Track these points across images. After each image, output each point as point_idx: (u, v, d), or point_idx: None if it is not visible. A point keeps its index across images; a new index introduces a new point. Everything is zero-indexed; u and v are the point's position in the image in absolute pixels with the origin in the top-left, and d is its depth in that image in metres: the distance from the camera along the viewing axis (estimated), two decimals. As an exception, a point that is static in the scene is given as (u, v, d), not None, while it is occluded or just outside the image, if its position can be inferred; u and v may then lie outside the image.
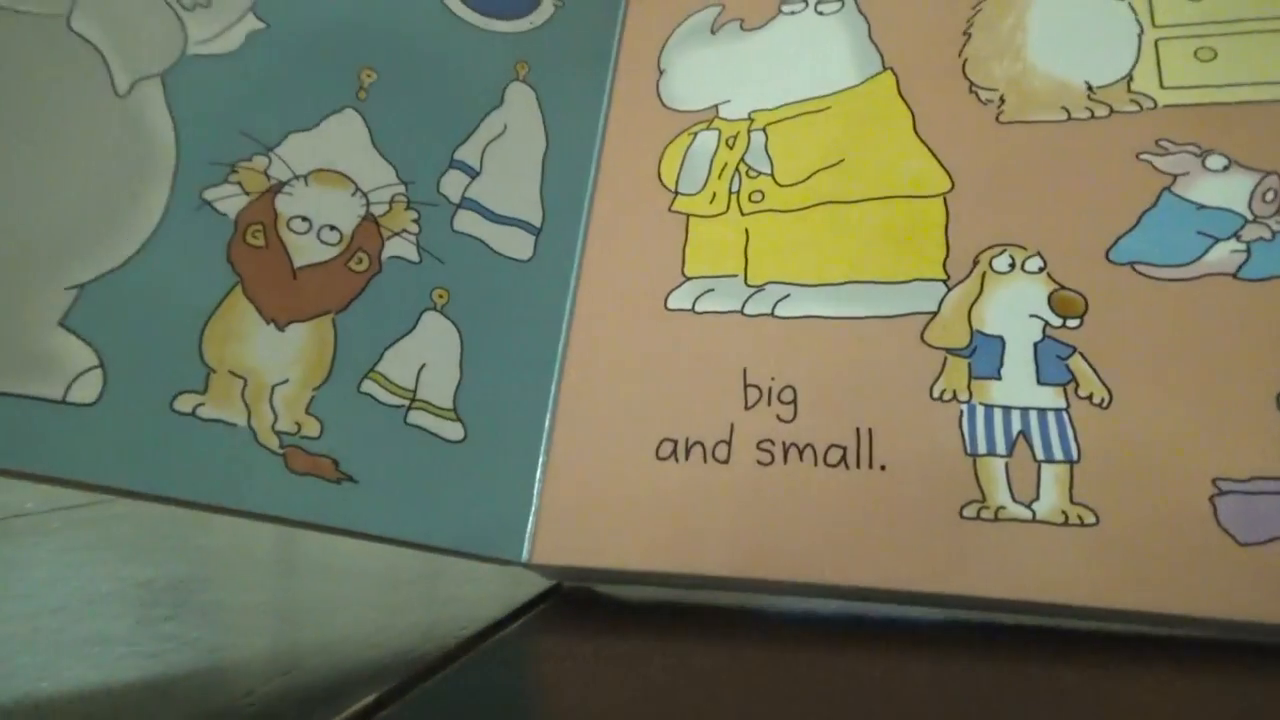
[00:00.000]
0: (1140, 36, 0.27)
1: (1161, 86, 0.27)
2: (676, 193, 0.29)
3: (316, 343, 0.23)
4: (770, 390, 0.25)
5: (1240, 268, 0.23)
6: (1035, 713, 0.17)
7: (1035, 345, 0.24)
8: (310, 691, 0.18)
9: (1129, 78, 0.27)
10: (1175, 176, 0.25)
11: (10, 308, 0.21)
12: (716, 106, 0.30)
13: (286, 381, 0.23)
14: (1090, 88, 0.27)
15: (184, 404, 0.21)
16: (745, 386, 0.25)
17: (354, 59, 0.27)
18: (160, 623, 0.23)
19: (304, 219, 0.24)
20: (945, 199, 0.26)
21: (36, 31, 0.22)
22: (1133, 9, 0.28)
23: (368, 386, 0.24)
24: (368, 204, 0.25)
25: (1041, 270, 0.25)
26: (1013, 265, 0.25)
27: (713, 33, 0.31)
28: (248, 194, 0.24)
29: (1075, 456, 0.22)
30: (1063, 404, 0.23)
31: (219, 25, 0.25)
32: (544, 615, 0.24)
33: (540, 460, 0.25)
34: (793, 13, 0.31)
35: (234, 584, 0.29)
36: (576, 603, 0.25)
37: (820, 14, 0.30)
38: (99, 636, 0.22)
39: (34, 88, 0.22)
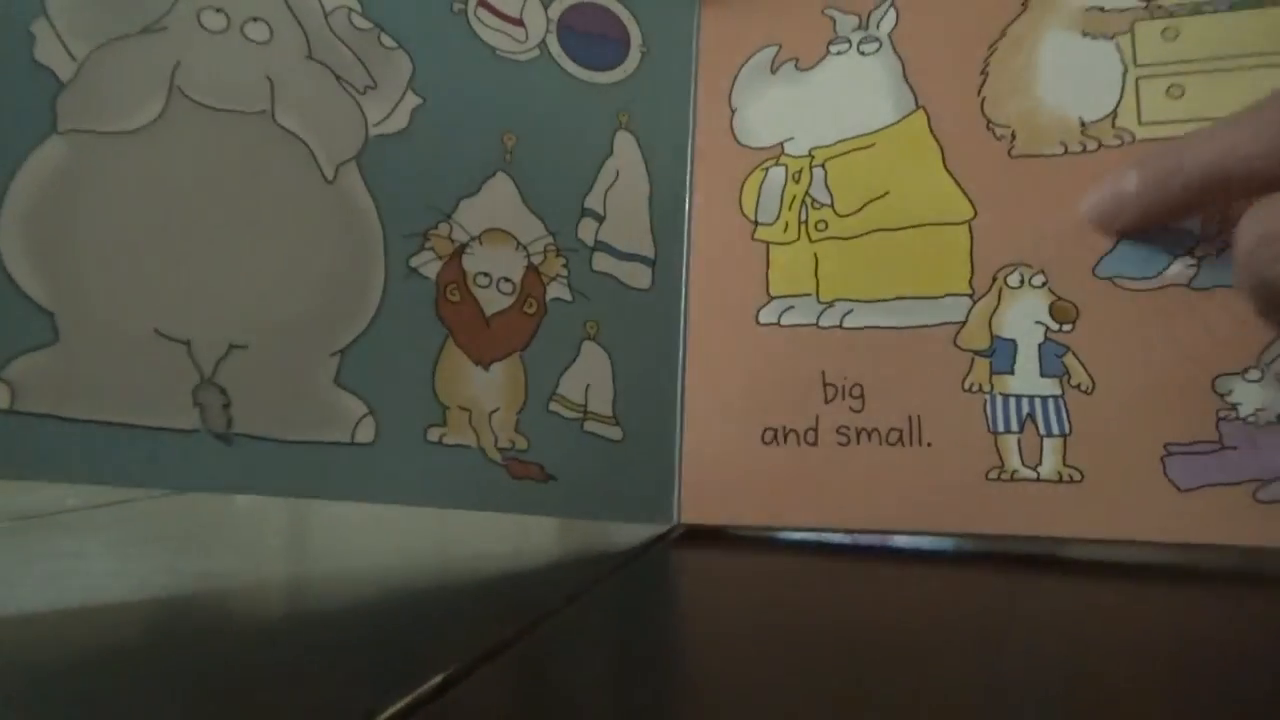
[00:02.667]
0: (1124, 75, 0.33)
1: (1140, 122, 0.32)
2: (756, 223, 0.36)
3: (512, 376, 0.31)
4: (843, 387, 0.33)
5: (1192, 279, 0.31)
6: (1035, 609, 0.26)
7: (1039, 346, 0.32)
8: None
9: (1114, 114, 0.32)
10: (1146, 203, 0.32)
11: (301, 373, 0.28)
12: (782, 144, 0.36)
13: (498, 409, 0.31)
14: (1083, 123, 0.33)
15: (433, 435, 0.29)
16: (824, 385, 0.33)
17: (498, 125, 0.32)
18: (221, 612, 0.24)
19: (485, 274, 0.32)
20: (970, 225, 0.33)
21: (248, 129, 0.29)
22: (1119, 49, 0.32)
23: (553, 406, 0.32)
24: (528, 255, 0.33)
25: (1044, 285, 0.32)
26: (1022, 281, 0.32)
27: (773, 72, 0.37)
28: (440, 258, 0.31)
29: (1067, 431, 0.31)
30: (1059, 392, 0.31)
31: (388, 104, 0.31)
32: (676, 542, 0.33)
33: (677, 449, 0.34)
34: (839, 53, 0.36)
35: (284, 573, 0.29)
36: (698, 534, 0.34)
37: (862, 54, 0.36)
38: (166, 626, 0.22)
39: (263, 182, 0.28)
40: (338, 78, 0.30)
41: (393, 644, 0.19)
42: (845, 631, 0.21)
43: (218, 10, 0.28)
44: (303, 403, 0.28)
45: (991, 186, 0.33)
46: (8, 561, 0.29)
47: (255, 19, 0.28)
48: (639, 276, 0.35)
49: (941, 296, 0.33)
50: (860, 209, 0.35)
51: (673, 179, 0.36)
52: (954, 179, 0.34)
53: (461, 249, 0.31)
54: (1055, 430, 0.31)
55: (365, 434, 0.28)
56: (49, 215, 0.25)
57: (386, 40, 0.31)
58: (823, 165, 0.35)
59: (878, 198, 0.35)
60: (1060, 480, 0.30)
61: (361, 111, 0.30)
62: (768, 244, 0.35)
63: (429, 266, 0.31)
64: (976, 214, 0.33)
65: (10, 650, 0.20)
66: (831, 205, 0.35)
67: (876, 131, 0.35)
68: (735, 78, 0.38)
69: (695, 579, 0.29)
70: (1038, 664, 0.20)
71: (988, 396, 0.32)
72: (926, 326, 0.33)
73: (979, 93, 0.35)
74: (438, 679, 0.16)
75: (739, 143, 0.37)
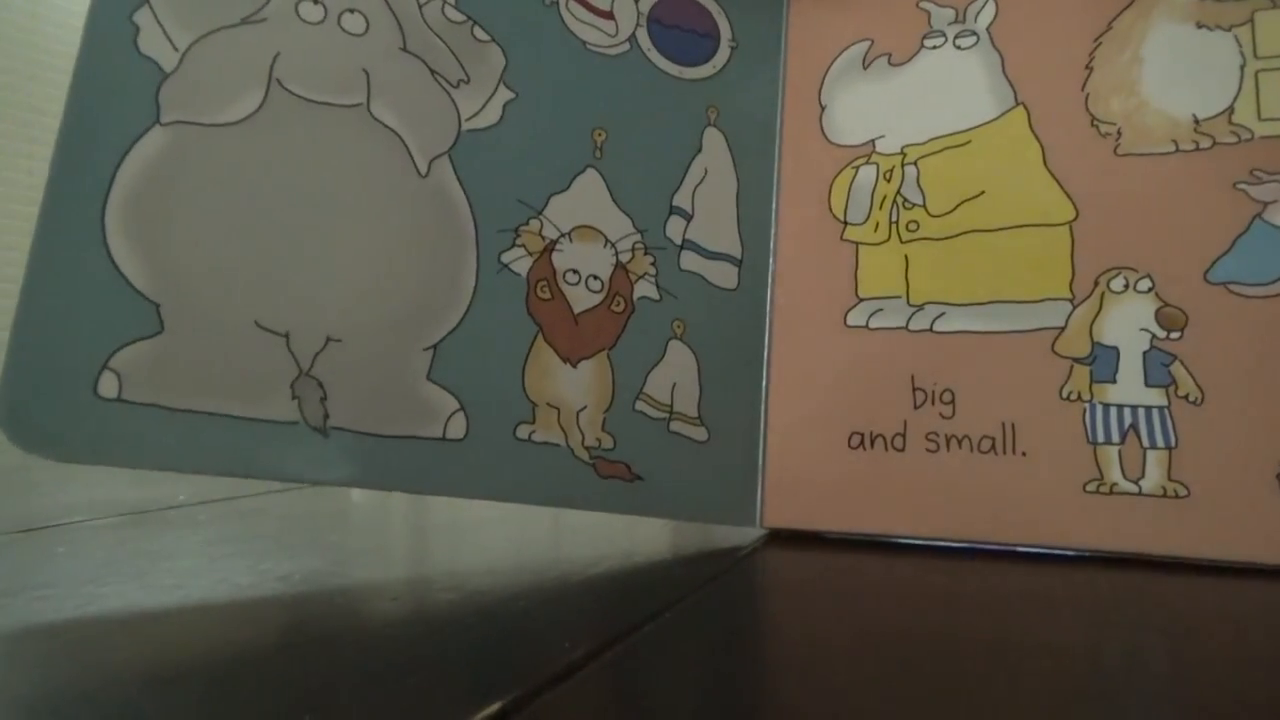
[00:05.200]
0: (1243, 69, 0.31)
1: (1260, 118, 0.30)
2: (845, 223, 0.35)
3: (600, 375, 0.31)
4: (933, 393, 0.32)
5: (1314, 287, 0.30)
6: (1144, 613, 0.25)
7: (1144, 354, 0.31)
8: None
9: (1230, 110, 0.31)
10: (1266, 204, 0.30)
11: (395, 368, 0.28)
12: (873, 141, 0.35)
13: (586, 407, 0.30)
14: (1196, 120, 0.32)
15: (522, 432, 0.29)
16: (913, 390, 0.32)
17: (588, 122, 0.32)
18: (294, 617, 0.23)
19: (574, 272, 0.31)
20: (1071, 227, 0.32)
21: (344, 122, 0.29)
22: (1238, 41, 0.31)
23: (640, 405, 0.31)
24: (616, 253, 0.32)
25: (1150, 290, 0.31)
26: (1126, 286, 0.31)
27: (864, 68, 0.36)
28: (530, 254, 0.31)
29: (1173, 444, 0.30)
30: (1165, 402, 0.30)
31: (480, 99, 0.31)
32: (763, 548, 0.32)
33: (761, 451, 0.33)
34: (934, 47, 0.35)
35: (366, 578, 0.29)
36: (783, 539, 0.34)
37: (959, 48, 0.35)
38: (239, 627, 0.22)
39: (358, 176, 0.28)
40: (431, 71, 0.29)
41: (473, 656, 0.19)
42: (946, 646, 0.21)
43: (315, 2, 0.28)
44: (396, 397, 0.28)
45: (1095, 186, 0.32)
46: (104, 558, 0.30)
47: (351, 10, 0.28)
48: (726, 276, 0.34)
49: (1039, 301, 0.32)
50: (954, 209, 0.34)
51: (761, 177, 0.36)
52: (1054, 178, 0.33)
53: (552, 245, 0.31)
54: (1160, 442, 0.30)
55: (456, 429, 0.28)
56: (152, 207, 0.25)
57: (480, 34, 0.30)
58: (915, 163, 0.35)
59: (972, 197, 0.34)
60: (1164, 495, 0.29)
61: (454, 105, 0.30)
62: (857, 244, 0.35)
63: (520, 263, 0.30)
64: (1078, 215, 0.32)
65: (92, 649, 0.20)
66: (924, 205, 0.34)
67: (972, 129, 0.34)
68: (825, 74, 0.37)
69: (786, 590, 0.29)
70: (1148, 679, 0.19)
71: (1087, 405, 0.31)
72: (1022, 332, 0.32)
73: (1083, 88, 0.33)
74: (496, 706, 0.16)
75: (828, 140, 0.36)
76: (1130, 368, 0.31)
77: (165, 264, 0.25)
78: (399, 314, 0.28)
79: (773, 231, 0.35)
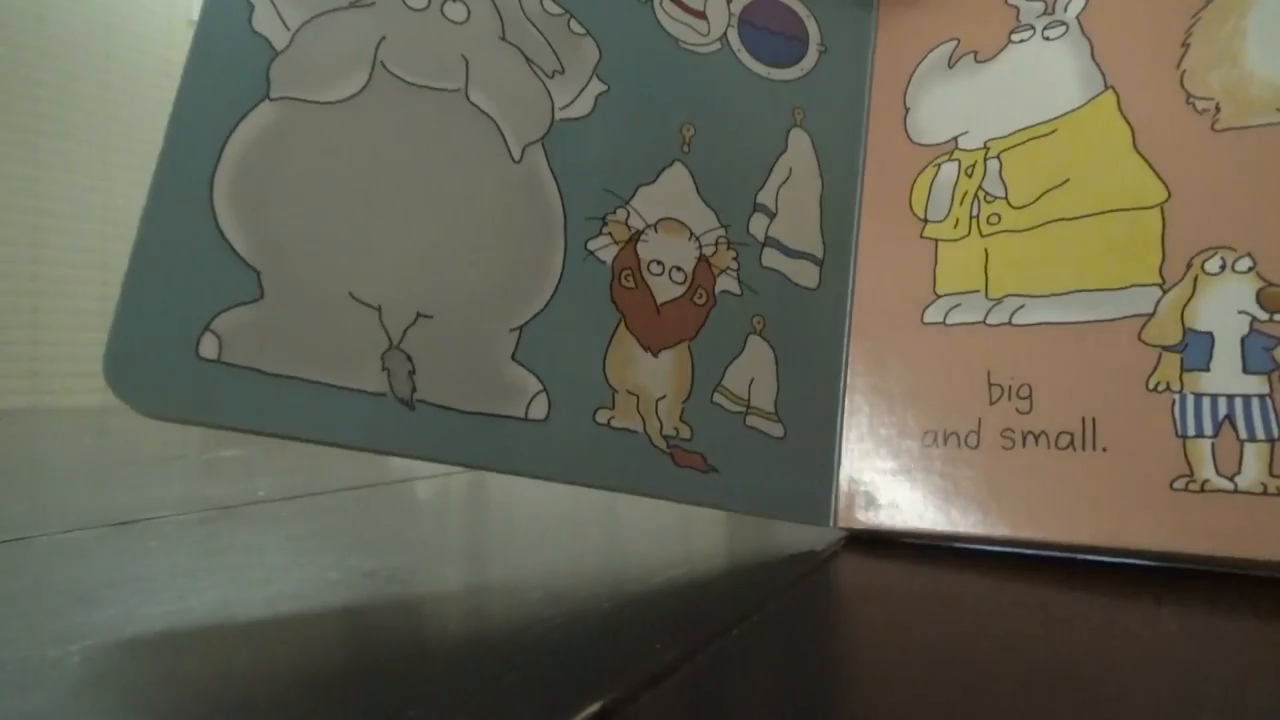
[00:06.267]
0: None
1: None
2: (926, 220, 0.35)
3: (679, 365, 0.31)
4: (1010, 388, 0.32)
5: None
6: (1236, 630, 0.24)
7: (1242, 339, 0.28)
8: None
9: None
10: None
11: (482, 346, 0.28)
12: (956, 138, 0.35)
13: (665, 396, 0.30)
14: None
15: (601, 417, 0.29)
16: (989, 385, 0.32)
17: (677, 116, 0.32)
18: (387, 613, 0.23)
19: (659, 263, 0.31)
20: (1162, 208, 0.30)
21: (443, 106, 0.29)
22: None
23: (717, 398, 0.31)
24: (700, 246, 0.32)
25: (1251, 269, 0.28)
26: (1224, 266, 0.29)
27: (950, 67, 0.36)
28: (616, 243, 0.31)
29: (1276, 435, 0.27)
30: (1266, 390, 0.28)
31: (574, 89, 0.31)
32: (841, 551, 0.32)
33: (837, 449, 0.33)
34: (1022, 41, 0.35)
35: (450, 577, 0.29)
36: (867, 540, 0.33)
37: (1047, 39, 0.34)
38: (334, 622, 0.22)
39: (455, 158, 0.29)
40: (528, 60, 0.30)
41: (567, 656, 0.19)
42: (1028, 658, 0.20)
43: (418, -10, 0.29)
44: (482, 375, 0.28)
45: (1189, 165, 0.30)
46: (197, 552, 0.30)
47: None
48: (807, 275, 0.34)
49: (1125, 288, 0.31)
50: (1037, 199, 0.33)
51: (844, 178, 0.36)
52: (1145, 160, 0.31)
53: (637, 236, 0.31)
54: (1260, 434, 0.28)
55: (538, 410, 0.29)
56: (258, 179, 0.26)
57: (575, 26, 0.31)
58: (998, 157, 0.34)
59: (1056, 186, 0.33)
60: (1265, 492, 0.27)
61: (549, 94, 0.30)
62: (936, 241, 0.34)
63: (605, 251, 0.31)
64: (1170, 196, 0.30)
65: (196, 644, 0.20)
66: (1006, 198, 0.34)
67: (1058, 118, 0.34)
68: (911, 76, 0.37)
69: (869, 596, 0.28)
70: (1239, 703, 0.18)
71: (1176, 396, 0.29)
72: (1106, 321, 0.31)
73: (1178, 65, 0.31)
74: (596, 706, 0.16)
75: (911, 140, 0.36)
76: (1226, 354, 0.29)
77: (267, 233, 0.26)
78: (488, 294, 0.28)
79: (854, 232, 0.35)
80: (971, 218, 0.34)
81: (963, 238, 0.34)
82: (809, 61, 0.36)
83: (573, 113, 0.31)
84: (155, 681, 0.17)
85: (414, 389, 0.27)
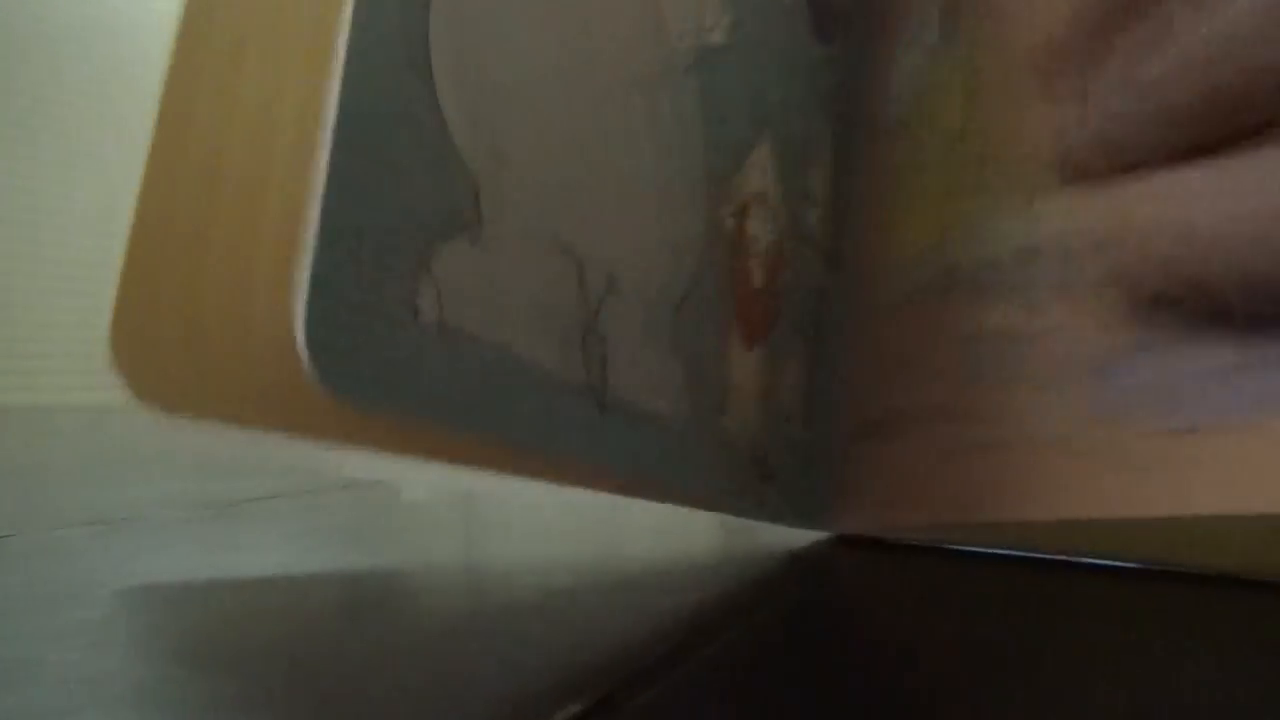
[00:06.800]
0: None
1: None
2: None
3: (767, 362, 0.28)
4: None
5: None
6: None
7: None
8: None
9: None
10: None
11: (650, 328, 0.23)
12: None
13: (755, 399, 0.27)
14: None
15: (719, 422, 0.25)
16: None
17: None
18: (384, 611, 0.23)
19: (756, 239, 0.28)
20: None
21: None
22: None
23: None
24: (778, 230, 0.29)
25: None
26: None
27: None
28: (735, 214, 0.26)
29: None
30: None
31: (715, 10, 0.26)
32: (832, 543, 0.32)
33: (838, 454, 0.33)
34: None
35: (445, 577, 0.28)
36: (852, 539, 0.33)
37: None
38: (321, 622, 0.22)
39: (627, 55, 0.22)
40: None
41: (542, 663, 0.18)
42: (1028, 658, 0.19)
43: None
44: (650, 368, 0.23)
45: None
46: (191, 550, 0.29)
47: None
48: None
49: None
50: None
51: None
52: None
53: (748, 206, 0.27)
54: None
55: (682, 409, 0.24)
56: (481, 42, 0.17)
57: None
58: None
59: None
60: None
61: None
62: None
63: (731, 220, 0.26)
64: None
65: (179, 643, 0.20)
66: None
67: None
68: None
69: (859, 596, 0.28)
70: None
71: None
72: None
73: None
74: (580, 706, 0.15)
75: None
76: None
77: (492, 125, 0.17)
78: (660, 257, 0.23)
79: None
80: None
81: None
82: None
83: (714, 39, 0.25)
84: (155, 681, 0.17)
85: (607, 382, 0.20)
